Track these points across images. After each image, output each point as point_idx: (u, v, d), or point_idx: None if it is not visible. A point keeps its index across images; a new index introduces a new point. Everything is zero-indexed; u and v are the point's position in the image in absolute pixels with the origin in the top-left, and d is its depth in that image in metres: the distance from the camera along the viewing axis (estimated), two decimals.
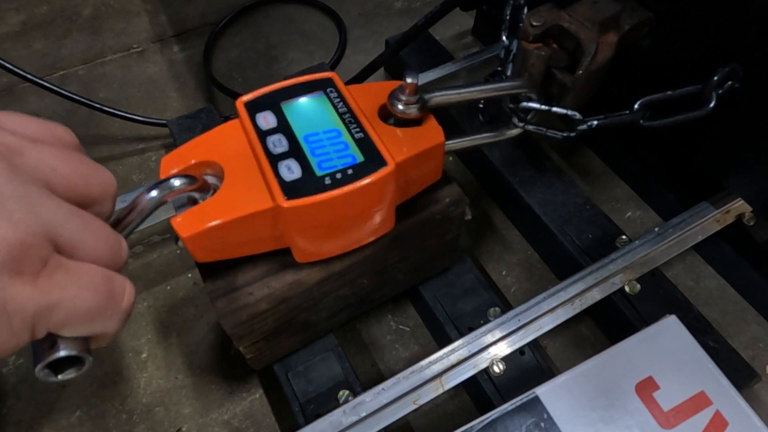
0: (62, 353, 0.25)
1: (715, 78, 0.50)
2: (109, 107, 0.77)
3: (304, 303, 0.50)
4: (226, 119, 0.78)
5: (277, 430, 0.59)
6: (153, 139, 0.83)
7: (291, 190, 0.40)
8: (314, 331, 0.56)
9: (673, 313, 0.49)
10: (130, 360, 0.63)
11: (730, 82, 0.51)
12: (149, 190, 0.37)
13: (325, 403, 0.54)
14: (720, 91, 0.50)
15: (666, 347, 0.47)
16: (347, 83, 0.72)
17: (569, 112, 0.51)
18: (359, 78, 0.72)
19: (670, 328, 0.48)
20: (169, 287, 0.69)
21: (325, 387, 0.55)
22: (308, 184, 0.41)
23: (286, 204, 0.40)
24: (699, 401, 0.45)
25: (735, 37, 0.50)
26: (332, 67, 0.89)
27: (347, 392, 0.54)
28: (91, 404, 0.60)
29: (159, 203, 0.37)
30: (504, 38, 0.57)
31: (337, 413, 0.51)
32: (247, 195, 0.41)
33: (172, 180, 0.38)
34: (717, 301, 0.67)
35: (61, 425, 0.59)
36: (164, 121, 0.77)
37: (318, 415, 0.52)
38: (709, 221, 0.63)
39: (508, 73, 0.56)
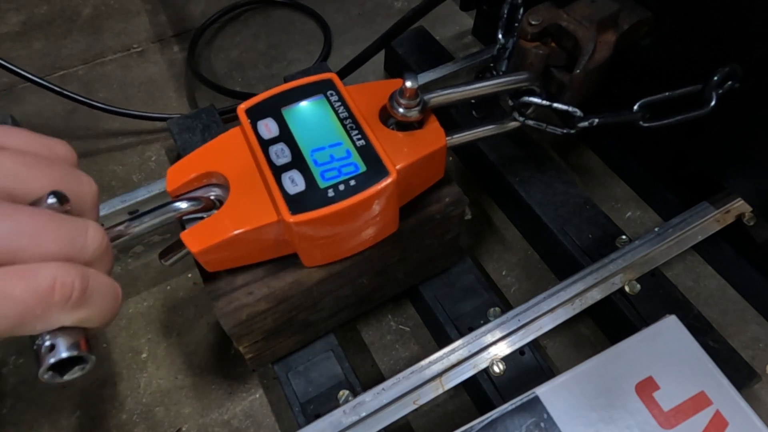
0: (52, 360, 0.26)
1: (715, 78, 0.50)
2: (109, 106, 0.77)
3: (304, 303, 0.50)
4: (220, 114, 0.78)
5: (277, 430, 0.59)
6: (153, 140, 0.83)
7: (295, 204, 0.41)
8: (314, 331, 0.56)
9: (673, 313, 0.49)
10: (130, 360, 0.63)
11: (730, 82, 0.51)
12: (156, 209, 0.40)
13: (325, 403, 0.54)
14: (720, 91, 0.50)
15: (666, 347, 0.47)
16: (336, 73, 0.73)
17: (570, 109, 0.50)
18: (347, 70, 0.72)
19: (670, 328, 0.48)
20: (169, 287, 0.69)
21: (325, 387, 0.55)
22: (312, 197, 0.41)
23: (291, 219, 0.40)
24: (699, 401, 0.45)
25: (735, 37, 0.50)
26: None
27: (347, 392, 0.54)
28: (91, 404, 0.60)
29: (163, 223, 0.40)
30: (500, 36, 0.56)
31: (337, 413, 0.51)
32: (253, 208, 0.42)
33: (178, 203, 0.41)
34: (717, 301, 0.67)
35: (61, 425, 0.59)
36: (165, 116, 0.77)
37: (318, 415, 0.52)
38: (709, 221, 0.63)
39: (503, 69, 0.56)
